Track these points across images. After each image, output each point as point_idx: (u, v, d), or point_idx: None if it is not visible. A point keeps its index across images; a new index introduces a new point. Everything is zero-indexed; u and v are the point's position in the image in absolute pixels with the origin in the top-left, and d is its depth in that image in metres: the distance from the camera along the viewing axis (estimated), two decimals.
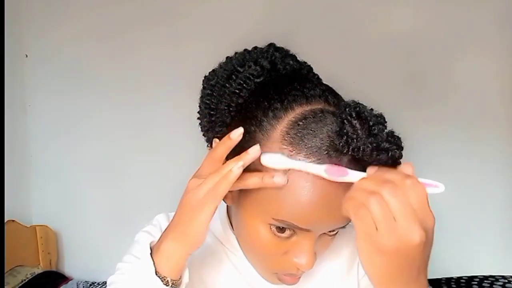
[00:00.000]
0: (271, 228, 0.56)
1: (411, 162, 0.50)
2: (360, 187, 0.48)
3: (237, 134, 0.54)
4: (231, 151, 0.56)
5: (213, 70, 0.64)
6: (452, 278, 1.62)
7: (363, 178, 0.50)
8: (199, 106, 0.65)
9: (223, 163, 0.55)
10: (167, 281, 0.55)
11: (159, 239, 0.58)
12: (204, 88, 0.64)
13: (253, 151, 0.53)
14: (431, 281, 1.62)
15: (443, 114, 1.71)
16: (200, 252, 0.66)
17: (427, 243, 0.46)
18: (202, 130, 0.66)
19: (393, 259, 0.46)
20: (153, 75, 1.74)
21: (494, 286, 1.57)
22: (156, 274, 0.54)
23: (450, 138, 1.71)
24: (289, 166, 0.52)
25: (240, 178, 0.53)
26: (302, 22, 1.71)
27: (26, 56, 1.79)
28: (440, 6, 1.69)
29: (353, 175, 0.51)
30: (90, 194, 1.80)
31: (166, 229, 0.57)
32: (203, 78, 0.65)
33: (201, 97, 0.64)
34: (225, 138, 0.55)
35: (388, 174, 0.48)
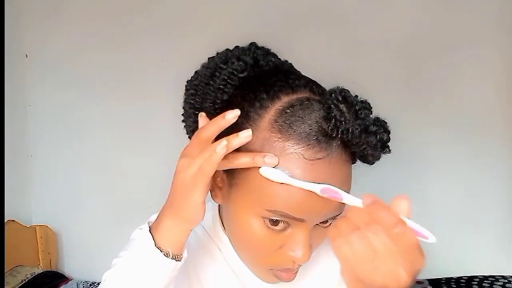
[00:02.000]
0: (264, 222, 0.55)
1: (407, 196, 0.47)
2: (348, 217, 0.48)
3: (233, 115, 0.52)
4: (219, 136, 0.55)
5: (196, 72, 0.64)
6: (452, 278, 1.62)
7: (354, 208, 0.49)
8: (183, 108, 0.65)
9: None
10: (168, 252, 0.56)
11: (156, 219, 0.58)
12: (187, 89, 0.64)
13: (243, 135, 0.52)
14: (431, 281, 1.62)
15: (443, 113, 1.72)
16: (194, 247, 0.66)
17: (412, 284, 0.46)
18: (187, 132, 0.66)
19: None
20: (154, 75, 1.75)
21: (494, 286, 1.57)
22: (156, 246, 0.55)
23: (451, 138, 1.71)
24: (286, 182, 0.53)
25: (230, 157, 0.53)
26: (302, 22, 1.71)
27: (26, 56, 1.79)
28: (440, 7, 1.70)
29: (347, 199, 0.51)
30: (90, 194, 1.80)
31: (162, 209, 0.57)
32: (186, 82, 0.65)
33: (185, 99, 0.64)
34: (218, 118, 0.53)
35: (380, 212, 0.46)
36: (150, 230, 0.57)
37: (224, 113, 0.53)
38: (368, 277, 0.46)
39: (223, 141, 0.51)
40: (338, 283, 0.70)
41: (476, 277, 1.62)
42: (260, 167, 0.53)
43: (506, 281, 1.58)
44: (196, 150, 0.54)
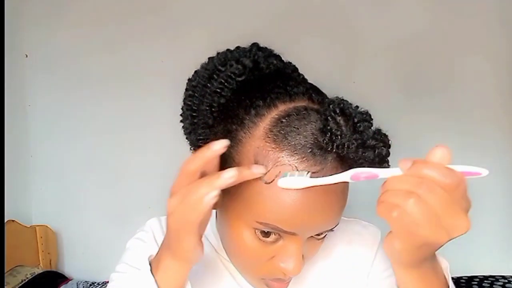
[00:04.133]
0: (255, 233, 0.53)
1: (443, 145, 0.45)
2: (392, 188, 0.45)
3: (220, 145, 0.49)
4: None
5: (195, 71, 0.61)
6: (452, 278, 1.61)
7: (394, 178, 0.45)
8: (181, 109, 0.62)
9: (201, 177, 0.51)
10: None
11: (157, 254, 0.56)
12: (186, 90, 0.62)
13: (227, 176, 0.48)
14: None
15: (443, 113, 1.71)
16: (199, 262, 0.65)
17: None
18: (184, 133, 0.64)
19: (436, 247, 0.47)
20: (155, 74, 1.74)
21: (494, 286, 1.56)
22: None
23: (450, 138, 1.71)
24: (311, 185, 0.49)
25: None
26: (302, 23, 1.71)
27: (26, 56, 1.79)
28: (441, 9, 1.70)
29: (385, 174, 0.46)
30: (90, 194, 1.80)
31: (163, 245, 0.55)
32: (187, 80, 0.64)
33: (183, 99, 0.62)
34: (204, 149, 0.49)
35: (427, 170, 0.43)
36: (151, 270, 0.54)
37: (211, 143, 0.49)
38: (435, 236, 0.44)
39: (213, 192, 0.47)
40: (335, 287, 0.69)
41: (476, 277, 1.62)
42: (279, 183, 0.49)
43: (506, 281, 1.58)
44: (183, 186, 0.50)
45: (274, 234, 0.54)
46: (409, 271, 0.51)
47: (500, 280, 1.59)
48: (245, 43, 0.62)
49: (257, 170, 0.50)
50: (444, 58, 1.70)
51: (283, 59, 0.62)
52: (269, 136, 0.52)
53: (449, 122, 1.71)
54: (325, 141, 0.50)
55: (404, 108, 1.69)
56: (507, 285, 1.56)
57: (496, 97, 1.71)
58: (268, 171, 0.51)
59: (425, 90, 1.71)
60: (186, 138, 0.65)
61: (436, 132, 1.71)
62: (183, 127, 0.64)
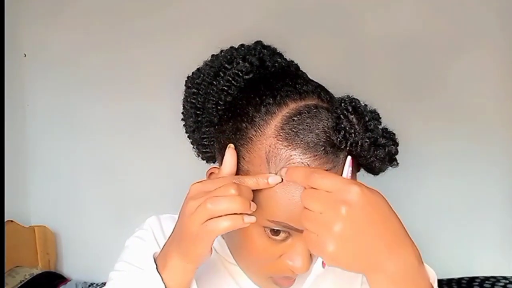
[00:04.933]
0: (265, 231, 0.54)
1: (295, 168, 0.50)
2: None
3: (275, 181, 0.51)
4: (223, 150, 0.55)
5: (198, 69, 0.62)
6: (453, 279, 1.62)
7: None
8: (184, 106, 0.63)
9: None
10: None
11: (162, 252, 0.56)
12: (188, 87, 0.62)
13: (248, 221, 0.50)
14: None
15: (443, 114, 1.71)
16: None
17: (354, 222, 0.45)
18: (187, 132, 0.64)
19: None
20: (154, 74, 1.74)
21: (495, 286, 1.56)
22: None
23: (451, 138, 1.71)
24: None
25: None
26: (301, 21, 1.70)
27: (25, 55, 1.78)
28: (440, 3, 1.69)
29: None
30: (89, 195, 1.80)
31: (169, 243, 0.55)
32: (185, 78, 0.63)
33: (186, 96, 0.62)
34: (261, 178, 0.52)
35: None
36: (157, 268, 0.54)
37: (267, 175, 0.52)
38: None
39: (252, 217, 0.50)
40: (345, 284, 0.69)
41: (477, 277, 1.61)
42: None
43: (508, 281, 1.58)
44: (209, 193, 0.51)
45: (284, 233, 0.54)
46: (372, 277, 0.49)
47: (501, 280, 1.58)
48: (244, 41, 0.62)
49: (272, 181, 0.51)
50: (445, 56, 1.70)
51: (285, 57, 0.62)
52: (281, 134, 0.52)
53: (450, 120, 1.71)
54: (338, 139, 0.50)
55: (405, 108, 1.68)
56: (508, 285, 1.56)
57: (496, 95, 1.71)
58: (281, 169, 0.51)
59: (426, 89, 1.71)
60: (188, 137, 0.64)
61: (436, 130, 1.71)
62: (185, 125, 0.64)
